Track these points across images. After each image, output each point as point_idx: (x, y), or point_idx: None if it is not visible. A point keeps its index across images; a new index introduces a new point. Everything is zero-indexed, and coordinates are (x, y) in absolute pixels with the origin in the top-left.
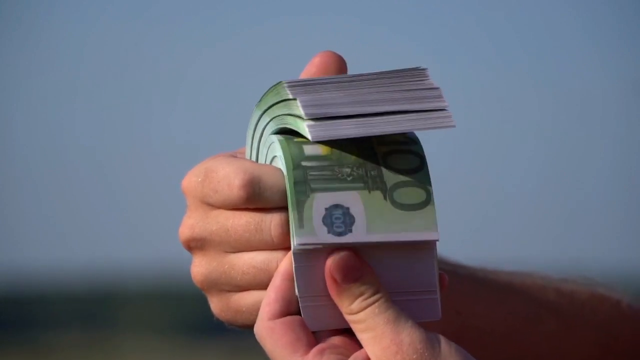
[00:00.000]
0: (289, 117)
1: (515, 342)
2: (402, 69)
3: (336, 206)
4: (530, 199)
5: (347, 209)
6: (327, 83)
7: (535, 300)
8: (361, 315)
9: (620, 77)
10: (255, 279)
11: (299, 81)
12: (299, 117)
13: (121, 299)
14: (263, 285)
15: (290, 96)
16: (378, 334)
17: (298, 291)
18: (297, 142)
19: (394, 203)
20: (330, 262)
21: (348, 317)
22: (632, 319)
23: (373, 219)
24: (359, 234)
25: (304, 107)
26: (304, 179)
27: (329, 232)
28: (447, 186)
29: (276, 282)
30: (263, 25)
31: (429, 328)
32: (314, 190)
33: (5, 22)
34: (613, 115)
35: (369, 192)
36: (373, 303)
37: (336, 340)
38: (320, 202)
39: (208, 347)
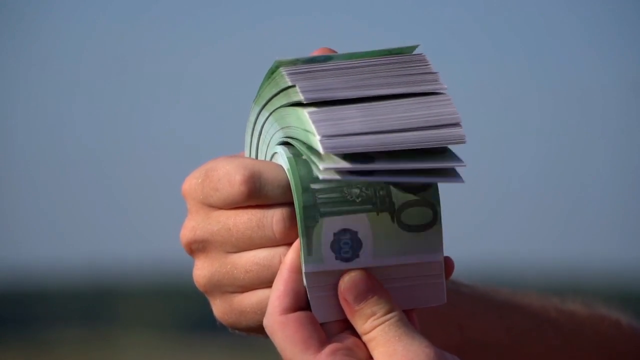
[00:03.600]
0: (299, 132)
1: (516, 356)
2: (400, 52)
3: (344, 231)
4: (530, 197)
5: (355, 233)
6: (325, 70)
7: (536, 316)
8: (373, 333)
9: (621, 77)
10: (258, 277)
11: (297, 67)
12: (299, 104)
13: (121, 295)
14: (267, 283)
15: (290, 83)
16: (390, 351)
17: (306, 282)
18: (305, 160)
19: (401, 225)
20: (342, 284)
21: (363, 338)
22: (632, 337)
23: (380, 243)
24: (365, 259)
25: (303, 92)
26: (313, 202)
27: (336, 258)
28: (447, 184)
29: (284, 275)
30: (263, 24)
31: (433, 340)
32: (322, 215)
33: (6, 20)
34: (613, 114)
35: (377, 214)
36: (385, 322)
37: (349, 341)
38: (329, 227)
39: (208, 343)
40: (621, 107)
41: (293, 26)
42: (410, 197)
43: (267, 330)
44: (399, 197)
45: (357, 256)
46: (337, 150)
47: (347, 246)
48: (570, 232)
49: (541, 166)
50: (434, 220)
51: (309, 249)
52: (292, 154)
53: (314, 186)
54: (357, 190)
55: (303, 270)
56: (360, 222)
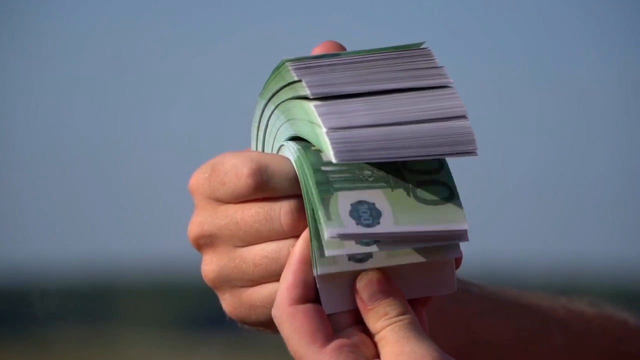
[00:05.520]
0: (305, 124)
1: (524, 356)
2: (406, 49)
3: (361, 202)
4: (530, 197)
5: (373, 204)
6: (331, 64)
7: (544, 315)
8: (383, 332)
9: (621, 77)
10: (267, 270)
11: (303, 63)
12: (305, 98)
13: (121, 293)
14: (276, 276)
15: (295, 78)
16: (397, 351)
17: (319, 268)
18: (314, 150)
19: (418, 199)
20: (359, 282)
21: (374, 337)
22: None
23: (400, 213)
24: (387, 225)
25: (309, 87)
26: (326, 180)
27: (357, 223)
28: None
29: (293, 265)
30: (263, 24)
31: (440, 340)
32: (337, 190)
33: (6, 18)
34: (613, 114)
35: (392, 190)
36: (396, 322)
37: (356, 338)
38: (345, 199)
39: (207, 341)
40: (621, 107)
41: (294, 26)
42: (423, 177)
43: (275, 320)
44: (412, 178)
45: (379, 223)
46: (347, 157)
47: (366, 214)
48: (570, 231)
49: (541, 166)
50: (451, 196)
51: (327, 215)
52: (301, 145)
53: (325, 168)
54: (368, 172)
55: (325, 237)
56: (376, 196)
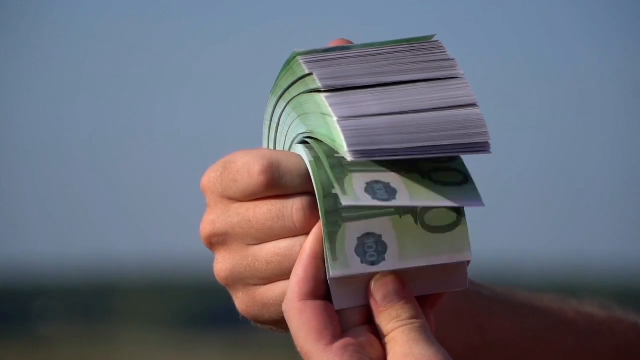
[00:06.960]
0: (317, 117)
1: (534, 356)
2: (417, 41)
3: (368, 235)
4: (530, 196)
5: (379, 236)
6: (343, 57)
7: (554, 317)
8: (393, 334)
9: (620, 77)
10: (280, 268)
11: (314, 56)
12: (316, 91)
13: (120, 291)
14: (289, 274)
15: (307, 71)
16: (405, 352)
17: (331, 283)
18: (327, 158)
19: (425, 226)
20: (373, 283)
21: (385, 338)
22: None
23: (405, 245)
24: (391, 262)
25: (320, 79)
26: (335, 207)
27: (362, 262)
28: None
29: (304, 261)
30: (273, 22)
31: (454, 341)
32: (345, 220)
33: (9, 14)
34: (613, 114)
35: (400, 216)
36: (407, 324)
37: (363, 339)
38: (352, 231)
39: (205, 339)
40: (621, 107)
41: (302, 25)
42: None
43: (285, 315)
44: None
45: (383, 259)
46: (360, 142)
47: (371, 250)
48: (569, 230)
49: (540, 165)
50: (458, 220)
51: (333, 254)
52: (313, 157)
53: (335, 191)
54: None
55: (329, 276)
56: (383, 225)
